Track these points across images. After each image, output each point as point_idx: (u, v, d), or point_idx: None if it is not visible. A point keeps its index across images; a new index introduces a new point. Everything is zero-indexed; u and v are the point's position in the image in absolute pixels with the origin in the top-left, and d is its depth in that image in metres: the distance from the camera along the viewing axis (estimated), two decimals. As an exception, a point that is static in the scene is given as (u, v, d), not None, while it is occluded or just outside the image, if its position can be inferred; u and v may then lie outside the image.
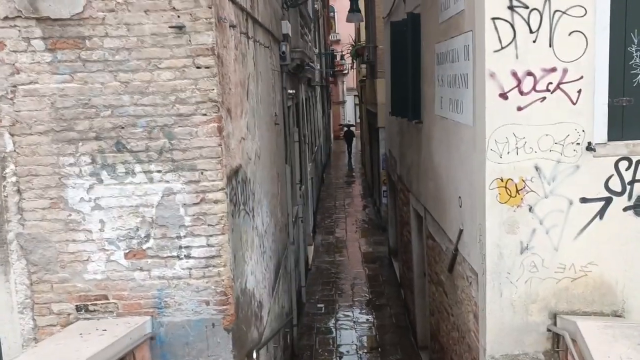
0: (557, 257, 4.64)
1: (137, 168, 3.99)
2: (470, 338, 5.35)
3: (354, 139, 33.53)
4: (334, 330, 10.16)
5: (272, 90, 7.14)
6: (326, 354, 9.36)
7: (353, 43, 20.77)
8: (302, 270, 11.25)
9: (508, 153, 4.56)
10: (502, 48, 4.42)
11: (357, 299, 11.61)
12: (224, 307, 4.09)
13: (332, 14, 40.16)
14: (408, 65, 7.67)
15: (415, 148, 8.19)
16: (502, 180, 4.58)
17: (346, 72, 42.40)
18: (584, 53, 4.42)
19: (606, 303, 4.66)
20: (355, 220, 18.13)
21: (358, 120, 33.76)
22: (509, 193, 4.60)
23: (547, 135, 4.52)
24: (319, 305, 11.25)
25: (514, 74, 4.48)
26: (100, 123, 3.96)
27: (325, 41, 31.17)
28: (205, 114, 3.92)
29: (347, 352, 9.43)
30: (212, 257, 4.05)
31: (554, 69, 4.44)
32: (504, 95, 4.51)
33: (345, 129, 34.47)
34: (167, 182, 3.99)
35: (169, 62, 3.89)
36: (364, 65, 19.06)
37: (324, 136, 28.42)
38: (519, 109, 4.51)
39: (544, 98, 4.49)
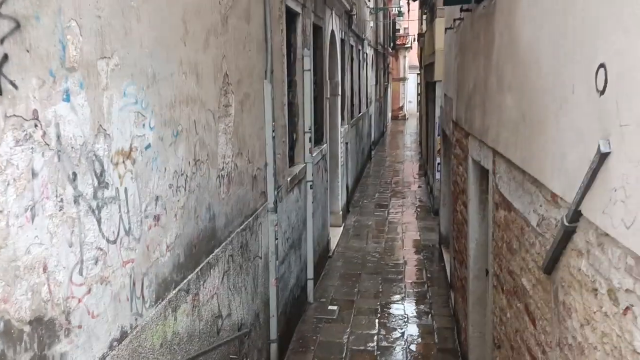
0: None
1: None
2: None
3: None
4: (344, 348, 6.75)
5: None
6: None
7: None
8: (310, 256, 7.90)
9: None
10: None
11: (386, 301, 8.13)
12: None
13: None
14: None
15: (483, 55, 4.68)
16: None
17: (408, 45, 38.50)
18: None
19: None
20: (403, 202, 14.56)
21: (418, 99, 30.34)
22: None
23: None
24: (330, 308, 7.85)
25: None
26: None
27: (385, 4, 27.79)
28: None
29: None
30: None
31: None
32: None
33: None
34: None
35: None
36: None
37: (376, 108, 24.78)
38: None
39: None
